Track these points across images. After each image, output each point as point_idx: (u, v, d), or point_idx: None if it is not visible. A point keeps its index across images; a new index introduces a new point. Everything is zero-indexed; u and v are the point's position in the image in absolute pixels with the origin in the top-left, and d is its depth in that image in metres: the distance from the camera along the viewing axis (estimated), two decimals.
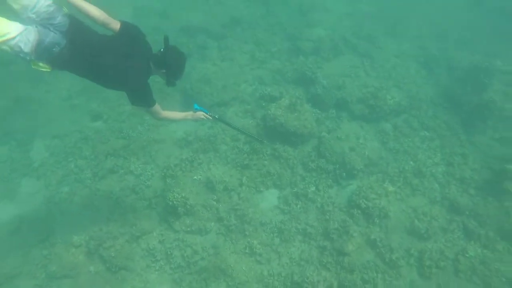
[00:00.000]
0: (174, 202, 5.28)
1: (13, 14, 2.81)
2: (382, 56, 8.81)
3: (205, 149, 6.34)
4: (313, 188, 6.10)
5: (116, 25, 3.12)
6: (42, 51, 2.81)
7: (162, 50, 3.17)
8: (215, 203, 5.65)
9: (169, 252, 5.19)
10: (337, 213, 5.80)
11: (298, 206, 5.89)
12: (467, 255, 5.48)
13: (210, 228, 5.49)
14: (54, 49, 2.84)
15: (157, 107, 3.43)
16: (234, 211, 5.61)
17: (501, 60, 8.52)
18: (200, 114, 3.69)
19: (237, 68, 7.86)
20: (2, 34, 2.65)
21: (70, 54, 2.91)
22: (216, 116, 3.76)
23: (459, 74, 8.13)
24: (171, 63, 3.21)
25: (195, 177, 5.82)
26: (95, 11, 3.06)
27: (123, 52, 3.10)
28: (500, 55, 9.20)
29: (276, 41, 8.77)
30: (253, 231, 5.51)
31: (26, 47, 2.74)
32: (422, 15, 11.00)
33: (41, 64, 2.88)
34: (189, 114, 3.71)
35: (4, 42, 2.68)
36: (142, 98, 3.32)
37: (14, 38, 2.68)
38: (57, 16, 2.88)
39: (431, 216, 5.75)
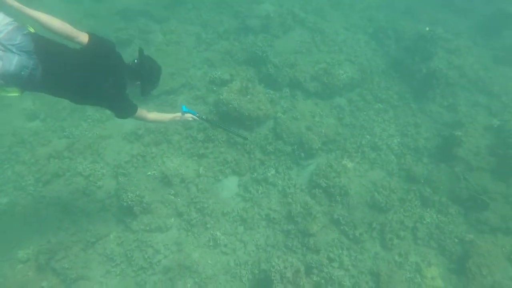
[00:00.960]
0: (129, 202, 5.04)
1: None
2: (332, 29, 8.83)
3: (157, 141, 6.07)
4: (273, 172, 6.08)
5: (84, 37, 2.95)
6: (9, 77, 2.63)
7: (136, 61, 3.14)
8: (173, 197, 5.48)
9: (129, 255, 4.99)
10: (299, 194, 5.86)
11: (259, 191, 5.87)
12: (424, 222, 5.81)
13: (170, 224, 5.33)
14: (22, 72, 2.66)
15: (141, 111, 3.36)
16: (194, 204, 5.48)
17: (443, 27, 8.89)
18: (189, 116, 3.71)
19: (184, 52, 7.53)
20: None
21: (40, 75, 2.73)
22: (204, 117, 3.80)
23: (407, 44, 8.36)
24: (146, 75, 3.20)
25: (149, 173, 5.59)
26: (60, 25, 2.85)
27: (96, 66, 2.96)
28: (442, 23, 9.65)
29: (223, 20, 8.48)
30: (216, 223, 5.43)
31: None
32: None
33: (9, 89, 2.71)
34: (177, 116, 3.69)
35: None
36: (124, 109, 3.25)
37: None
38: (17, 36, 2.66)
39: (390, 188, 5.97)
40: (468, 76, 8.00)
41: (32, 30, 2.83)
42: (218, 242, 5.21)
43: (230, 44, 7.89)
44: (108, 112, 3.36)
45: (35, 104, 6.49)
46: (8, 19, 2.68)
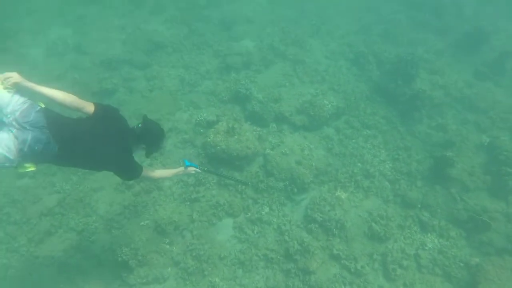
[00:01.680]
0: (123, 257, 5.03)
1: None
2: (313, 59, 9.13)
3: (148, 189, 6.12)
4: (267, 209, 6.13)
5: (90, 107, 3.19)
6: (25, 153, 2.84)
7: (139, 125, 3.36)
8: (168, 246, 5.48)
9: None
10: (295, 231, 5.88)
11: (255, 231, 5.89)
12: (426, 248, 5.82)
13: (167, 274, 5.30)
14: (36, 148, 2.87)
15: (145, 171, 3.54)
16: (190, 252, 5.47)
17: (423, 47, 9.23)
18: (191, 169, 3.96)
19: (168, 96, 7.70)
20: None
21: (52, 148, 2.95)
22: (206, 169, 4.12)
23: (388, 68, 8.63)
24: (150, 139, 3.42)
25: (142, 223, 5.61)
26: (68, 98, 3.09)
27: (103, 133, 3.19)
28: (421, 43, 10.02)
29: (204, 61, 8.75)
30: (213, 269, 5.41)
31: (10, 155, 2.77)
32: (344, 12, 11.63)
33: (27, 165, 2.94)
34: (180, 170, 3.93)
35: None
36: (131, 172, 3.44)
37: (5, 154, 2.74)
38: (31, 113, 2.89)
39: (387, 217, 6.02)
40: (453, 94, 8.24)
41: (42, 105, 3.06)
42: None
43: (214, 83, 8.11)
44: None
45: None
46: (22, 99, 2.92)
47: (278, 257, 5.60)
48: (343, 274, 5.48)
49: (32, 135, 2.85)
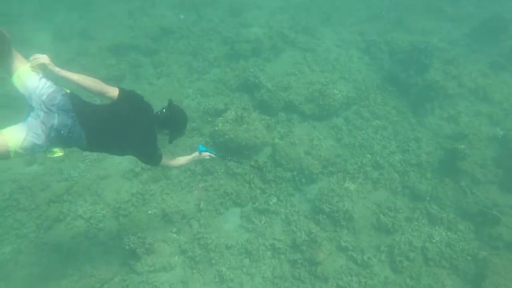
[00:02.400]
0: (131, 245, 5.16)
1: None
2: (323, 47, 9.12)
3: (155, 177, 6.23)
4: (275, 200, 6.21)
5: (114, 92, 3.30)
6: (53, 138, 2.97)
7: (164, 110, 3.42)
8: (175, 235, 5.60)
9: None
10: (303, 221, 5.97)
11: (262, 221, 5.98)
12: (433, 241, 5.88)
13: (175, 263, 5.42)
14: (62, 131, 2.98)
15: (165, 158, 3.68)
16: (197, 240, 5.58)
17: (437, 37, 9.14)
18: (206, 154, 4.09)
19: (176, 84, 7.77)
20: (16, 141, 2.83)
21: (79, 131, 3.06)
22: (221, 155, 4.26)
23: (400, 57, 8.60)
24: (174, 124, 3.49)
25: (150, 212, 5.72)
26: (92, 82, 3.20)
27: (128, 118, 3.28)
28: (436, 32, 9.91)
29: (212, 48, 8.77)
30: (220, 257, 5.51)
31: (39, 141, 2.91)
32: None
33: (55, 150, 3.06)
34: (195, 156, 4.06)
35: (20, 148, 2.85)
36: (153, 157, 3.56)
37: (25, 139, 2.86)
38: (57, 96, 3.01)
39: (395, 209, 6.10)
40: (467, 85, 8.21)
41: (68, 91, 3.17)
42: (224, 277, 5.29)
43: (222, 71, 8.15)
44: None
45: None
46: (49, 83, 3.04)
47: (285, 247, 5.70)
48: (349, 265, 5.58)
49: (59, 120, 2.95)
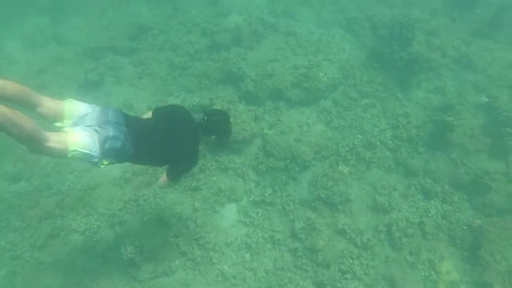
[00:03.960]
0: (129, 255, 5.14)
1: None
2: (305, 29, 8.97)
3: (147, 182, 6.18)
4: (270, 191, 6.21)
5: (149, 114, 3.74)
6: (107, 150, 3.12)
7: (205, 119, 3.62)
8: (173, 239, 5.59)
9: None
10: (300, 210, 6.00)
11: (259, 214, 6.01)
12: (430, 215, 5.96)
13: (175, 266, 5.43)
14: (116, 144, 3.17)
15: None
16: (196, 241, 5.59)
17: (417, 8, 9.04)
18: None
19: (159, 82, 7.64)
20: (77, 144, 2.95)
21: (130, 144, 3.27)
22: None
23: (383, 32, 8.49)
24: (218, 129, 3.69)
25: (145, 218, 5.69)
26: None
27: (173, 129, 3.52)
28: (416, 3, 9.79)
29: (192, 41, 8.57)
30: (221, 256, 5.55)
31: (95, 153, 3.07)
32: None
33: (106, 162, 3.21)
34: None
35: (78, 151, 2.97)
36: (192, 165, 3.79)
37: (85, 145, 2.99)
38: (108, 112, 3.25)
39: (389, 187, 6.16)
40: (451, 55, 8.16)
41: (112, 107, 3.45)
42: (227, 275, 5.33)
43: (204, 65, 7.99)
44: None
45: (17, 165, 6.56)
46: (91, 106, 3.24)
47: (285, 237, 5.76)
48: (350, 248, 5.63)
49: (114, 133, 3.14)
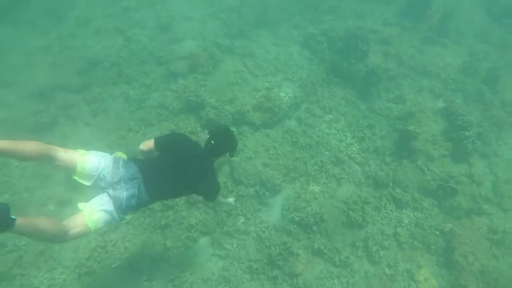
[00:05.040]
0: None
1: None
2: (262, 49, 9.35)
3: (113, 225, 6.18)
4: (242, 219, 6.39)
5: (151, 143, 3.92)
6: (124, 209, 3.43)
7: (212, 142, 3.78)
8: (147, 283, 5.61)
9: None
10: (275, 235, 6.20)
11: (234, 245, 6.15)
12: (403, 224, 6.37)
13: None
14: (132, 202, 3.44)
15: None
16: (171, 282, 5.64)
17: (370, 20, 9.65)
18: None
19: (115, 118, 7.67)
20: (94, 221, 3.30)
21: (146, 194, 3.51)
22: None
23: (339, 46, 9.03)
24: (230, 146, 3.90)
25: (114, 265, 5.68)
26: (147, 144, 3.95)
27: (183, 161, 3.71)
28: (368, 15, 10.44)
29: (147, 71, 8.69)
30: None
31: (113, 217, 3.39)
32: None
33: (126, 217, 3.53)
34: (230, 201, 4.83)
35: (98, 225, 3.35)
36: (215, 190, 3.98)
37: (101, 217, 3.34)
38: (118, 170, 3.47)
39: (361, 201, 6.48)
40: (406, 63, 8.80)
41: (124, 156, 3.68)
42: None
43: (162, 95, 8.12)
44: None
45: None
46: (103, 157, 3.51)
47: (263, 266, 5.90)
48: (329, 268, 5.91)
49: (127, 194, 3.40)
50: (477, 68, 8.95)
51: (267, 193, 6.61)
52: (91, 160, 3.43)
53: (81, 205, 3.37)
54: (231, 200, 4.83)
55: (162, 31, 9.76)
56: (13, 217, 2.85)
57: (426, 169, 6.80)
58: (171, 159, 3.72)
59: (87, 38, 9.57)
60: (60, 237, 3.18)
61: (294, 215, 6.26)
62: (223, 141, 3.83)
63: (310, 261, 5.92)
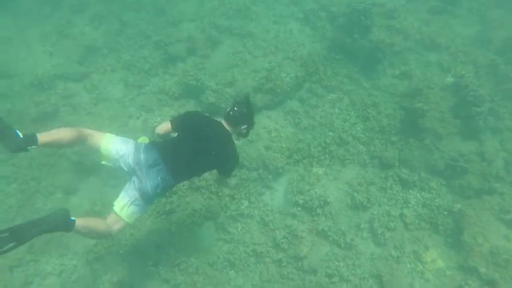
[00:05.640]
0: None
1: None
2: (261, 28, 9.26)
3: None
4: (246, 203, 6.51)
5: (167, 126, 4.10)
6: (151, 198, 3.75)
7: (236, 108, 3.97)
8: (153, 268, 5.81)
9: None
10: (279, 218, 6.32)
11: (239, 228, 6.29)
12: (410, 205, 6.39)
13: None
14: (158, 190, 3.70)
15: None
16: (177, 267, 5.83)
17: None
18: None
19: (116, 105, 7.79)
20: (129, 216, 3.72)
21: (170, 178, 3.72)
22: None
23: (342, 21, 8.90)
24: (248, 116, 4.04)
25: (121, 251, 5.89)
26: (163, 127, 4.15)
27: (203, 139, 3.85)
28: None
29: (146, 56, 8.73)
30: (205, 278, 5.79)
31: (143, 207, 3.78)
32: None
33: (155, 201, 4.05)
34: None
35: (133, 219, 3.79)
36: (236, 162, 4.18)
37: (134, 212, 3.75)
38: (139, 156, 3.66)
39: (366, 183, 6.53)
40: (413, 37, 8.63)
41: (146, 140, 3.95)
42: None
43: (161, 80, 8.20)
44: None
45: None
46: (127, 143, 3.80)
47: (267, 249, 6.04)
48: (334, 251, 6.01)
49: (151, 183, 3.61)
50: (491, 38, 8.61)
51: (270, 176, 6.69)
52: (113, 145, 3.73)
53: (115, 205, 3.71)
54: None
55: (158, 14, 9.73)
56: (72, 218, 3.30)
57: (434, 148, 6.75)
58: (190, 137, 3.86)
59: (84, 25, 9.60)
60: (107, 234, 3.68)
61: (298, 198, 6.35)
62: (246, 108, 3.99)
63: (315, 243, 6.02)
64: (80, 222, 3.34)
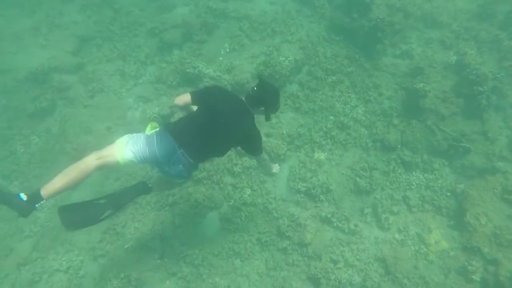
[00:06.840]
0: None
1: None
2: (257, 10, 9.25)
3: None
4: (249, 192, 6.64)
5: (187, 97, 4.05)
6: (181, 179, 4.12)
7: (255, 88, 3.83)
8: (159, 261, 6.01)
9: None
10: (282, 206, 6.48)
11: (242, 217, 6.44)
12: (413, 187, 6.54)
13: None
14: (185, 175, 3.89)
15: None
16: (183, 259, 6.02)
17: None
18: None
19: (113, 97, 7.88)
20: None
21: (189, 162, 3.79)
22: None
23: (340, 0, 8.85)
24: (268, 100, 3.87)
25: (126, 245, 6.08)
26: (183, 99, 4.09)
27: (224, 116, 3.78)
28: None
29: (141, 44, 8.79)
30: (210, 269, 5.99)
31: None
32: None
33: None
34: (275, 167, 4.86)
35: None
36: (259, 143, 4.10)
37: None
38: (153, 149, 3.68)
39: (369, 168, 6.67)
40: (413, 14, 8.61)
41: (157, 128, 3.93)
42: (220, 287, 5.81)
43: (158, 68, 8.27)
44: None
45: None
46: (137, 142, 3.74)
47: (272, 237, 6.21)
48: (338, 236, 6.18)
49: (174, 173, 3.81)
50: (494, 12, 8.58)
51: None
52: (127, 152, 3.67)
53: None
54: (276, 166, 4.86)
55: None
56: (150, 185, 4.00)
57: (436, 129, 6.85)
58: (209, 113, 3.83)
59: (75, 14, 9.60)
60: None
61: (301, 185, 6.50)
62: (265, 94, 3.86)
63: (319, 230, 6.20)
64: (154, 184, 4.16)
